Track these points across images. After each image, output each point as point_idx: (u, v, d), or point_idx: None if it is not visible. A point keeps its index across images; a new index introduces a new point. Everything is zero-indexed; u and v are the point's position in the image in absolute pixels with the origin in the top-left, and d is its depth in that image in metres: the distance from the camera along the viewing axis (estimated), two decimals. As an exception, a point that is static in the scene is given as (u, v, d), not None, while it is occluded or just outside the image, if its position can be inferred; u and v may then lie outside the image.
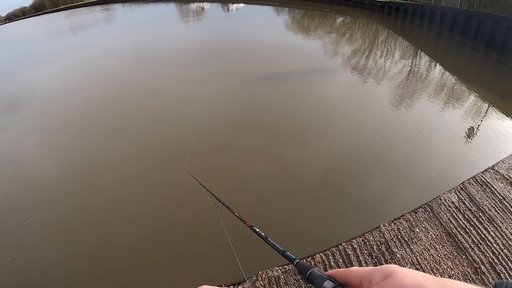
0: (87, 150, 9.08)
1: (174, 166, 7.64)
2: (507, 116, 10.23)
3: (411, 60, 16.21)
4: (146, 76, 14.26)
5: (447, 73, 14.12)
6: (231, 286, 2.73)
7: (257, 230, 1.53)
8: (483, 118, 10.15)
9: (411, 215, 3.22)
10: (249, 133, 9.17)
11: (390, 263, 2.76)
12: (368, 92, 12.22)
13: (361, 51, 17.36)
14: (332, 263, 2.77)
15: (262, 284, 2.64)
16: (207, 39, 19.70)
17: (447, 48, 17.55)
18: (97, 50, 21.13)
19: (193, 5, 30.42)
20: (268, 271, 2.74)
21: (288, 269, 2.73)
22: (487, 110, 10.66)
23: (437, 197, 3.48)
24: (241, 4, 28.65)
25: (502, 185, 3.76)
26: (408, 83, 13.03)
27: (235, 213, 2.12)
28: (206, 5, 29.60)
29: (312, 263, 2.76)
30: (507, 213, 3.40)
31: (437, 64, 15.36)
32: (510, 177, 3.89)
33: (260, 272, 2.74)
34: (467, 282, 2.62)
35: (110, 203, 6.99)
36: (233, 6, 26.82)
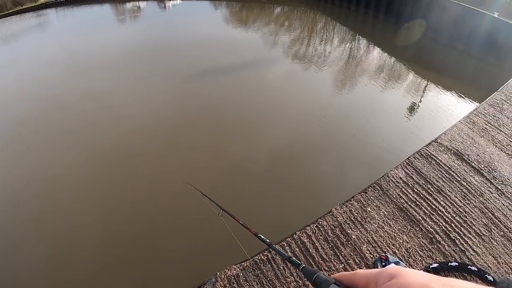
0: (34, 164, 8.51)
1: (118, 170, 7.48)
2: (444, 90, 10.70)
3: (350, 45, 16.57)
4: (84, 82, 13.60)
5: (385, 54, 14.55)
6: (190, 291, 2.59)
7: (262, 237, 1.56)
8: (422, 94, 10.55)
9: (361, 195, 3.21)
10: (192, 131, 8.93)
11: (346, 245, 2.74)
12: (310, 79, 12.32)
13: (301, 39, 17.52)
14: (289, 253, 2.70)
15: (222, 285, 2.52)
16: (145, 38, 19.15)
17: (383, 30, 18.08)
18: (31, 60, 19.95)
19: (129, 5, 29.42)
20: (227, 271, 2.63)
21: (246, 266, 2.63)
22: (425, 86, 11.09)
23: (385, 174, 3.50)
24: (178, 1, 28.06)
25: (446, 156, 3.85)
26: (348, 66, 13.29)
27: (240, 221, 2.22)
28: (142, 4, 28.72)
29: (269, 256, 2.67)
30: (454, 182, 3.48)
31: (375, 46, 15.78)
32: (453, 147, 4.00)
33: (218, 273, 2.61)
34: (423, 252, 2.65)
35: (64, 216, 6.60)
36: (170, 3, 26.19)
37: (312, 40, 17.37)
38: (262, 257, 2.67)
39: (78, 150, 8.63)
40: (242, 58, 14.18)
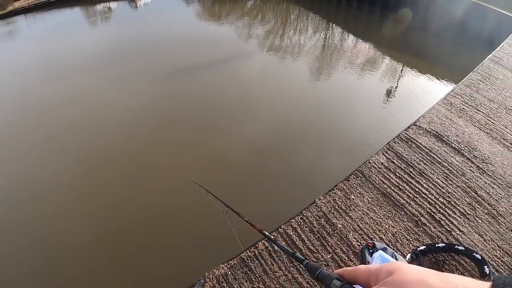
0: (25, 167, 8.29)
1: (108, 170, 7.38)
2: (420, 74, 10.81)
3: (324, 33, 16.60)
4: (63, 86, 13.25)
5: (360, 41, 14.62)
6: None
7: (267, 233, 1.59)
8: (398, 79, 10.64)
9: (344, 183, 3.19)
10: (172, 129, 8.81)
11: (332, 235, 2.71)
12: (286, 70, 12.28)
13: (275, 30, 17.47)
14: (276, 248, 2.66)
15: (211, 285, 2.46)
16: (119, 39, 18.81)
17: (356, 18, 18.18)
18: (4, 68, 19.43)
19: (99, 6, 28.83)
20: (215, 270, 2.56)
21: (234, 264, 2.57)
22: (401, 71, 11.18)
23: (366, 161, 3.49)
24: (149, -1, 27.56)
25: (426, 138, 3.87)
26: (324, 55, 13.31)
27: (244, 218, 2.23)
28: (113, 4, 28.15)
29: (256, 252, 2.62)
30: (436, 163, 3.49)
31: (350, 34, 15.86)
32: (432, 129, 4.01)
33: (207, 273, 2.55)
34: (410, 236, 2.65)
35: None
36: (141, 2, 25.72)
37: (286, 31, 17.35)
38: (249, 253, 2.62)
39: (68, 152, 8.47)
40: (218, 53, 14.01)
